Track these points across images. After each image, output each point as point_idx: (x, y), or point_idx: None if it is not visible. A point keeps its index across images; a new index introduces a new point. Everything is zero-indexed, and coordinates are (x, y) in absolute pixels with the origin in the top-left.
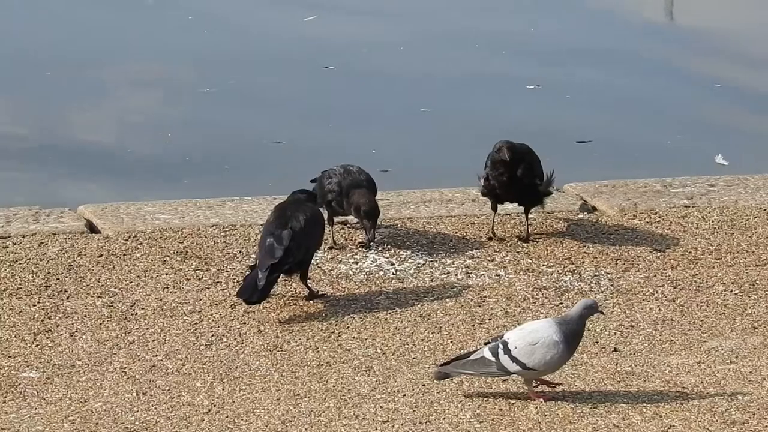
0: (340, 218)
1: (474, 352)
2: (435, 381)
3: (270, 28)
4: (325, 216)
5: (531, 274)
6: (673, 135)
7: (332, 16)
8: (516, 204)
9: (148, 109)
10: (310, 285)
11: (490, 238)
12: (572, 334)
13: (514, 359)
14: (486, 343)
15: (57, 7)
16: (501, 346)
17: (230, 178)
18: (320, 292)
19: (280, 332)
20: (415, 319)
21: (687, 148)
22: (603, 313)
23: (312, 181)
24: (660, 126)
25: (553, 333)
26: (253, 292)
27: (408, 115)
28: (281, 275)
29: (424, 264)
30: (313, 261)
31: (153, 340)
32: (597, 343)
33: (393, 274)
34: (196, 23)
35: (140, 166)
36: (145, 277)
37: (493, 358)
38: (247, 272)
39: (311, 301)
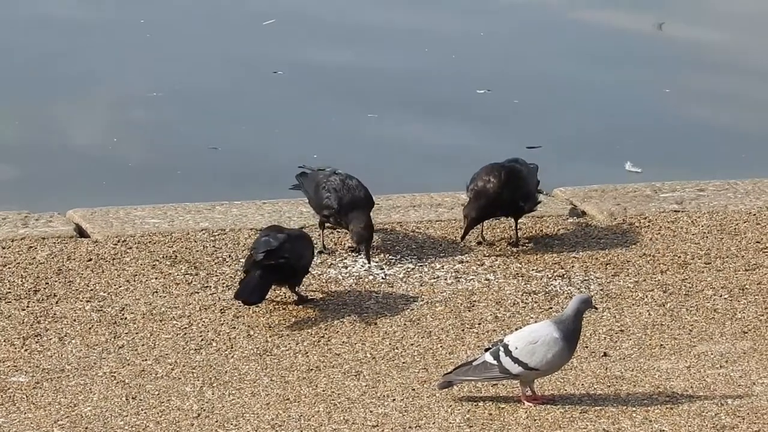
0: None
1: (476, 359)
2: (439, 389)
3: (227, 31)
4: (317, 221)
5: (520, 278)
6: (618, 140)
7: (292, 20)
8: None
9: (94, 113)
10: (298, 290)
11: (479, 243)
12: (571, 332)
13: (515, 360)
14: (486, 349)
15: (30, 14)
16: (502, 348)
17: (177, 183)
18: (309, 297)
19: (270, 337)
20: (404, 324)
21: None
22: (596, 308)
23: (300, 175)
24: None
25: (552, 331)
26: (252, 292)
27: (355, 120)
28: (272, 284)
29: (413, 268)
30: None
31: (142, 345)
32: (587, 347)
33: (382, 278)
34: (147, 27)
35: (86, 172)
36: (134, 281)
37: (494, 362)
38: (242, 277)
39: (301, 306)
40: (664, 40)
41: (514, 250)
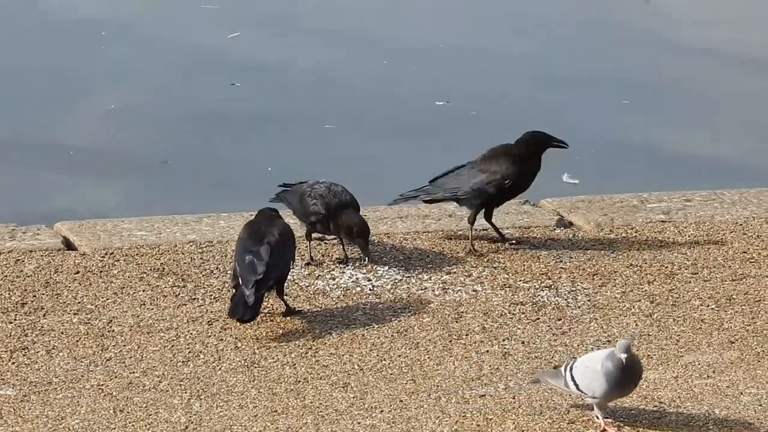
0: (317, 234)
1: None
2: (531, 383)
3: (191, 43)
4: (304, 231)
5: (508, 289)
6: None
7: (257, 34)
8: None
9: (49, 125)
10: (287, 301)
11: (468, 253)
12: (633, 366)
13: (572, 378)
14: (573, 358)
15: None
16: (571, 363)
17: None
18: (297, 309)
19: (258, 349)
20: (392, 335)
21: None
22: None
23: (282, 192)
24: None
25: (611, 363)
26: (245, 310)
27: (312, 131)
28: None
29: (401, 279)
30: (290, 277)
31: (130, 357)
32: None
33: (370, 289)
34: (108, 38)
35: (47, 182)
36: (121, 293)
37: (563, 373)
38: (232, 291)
39: (288, 318)
40: (630, 44)
41: (501, 260)
